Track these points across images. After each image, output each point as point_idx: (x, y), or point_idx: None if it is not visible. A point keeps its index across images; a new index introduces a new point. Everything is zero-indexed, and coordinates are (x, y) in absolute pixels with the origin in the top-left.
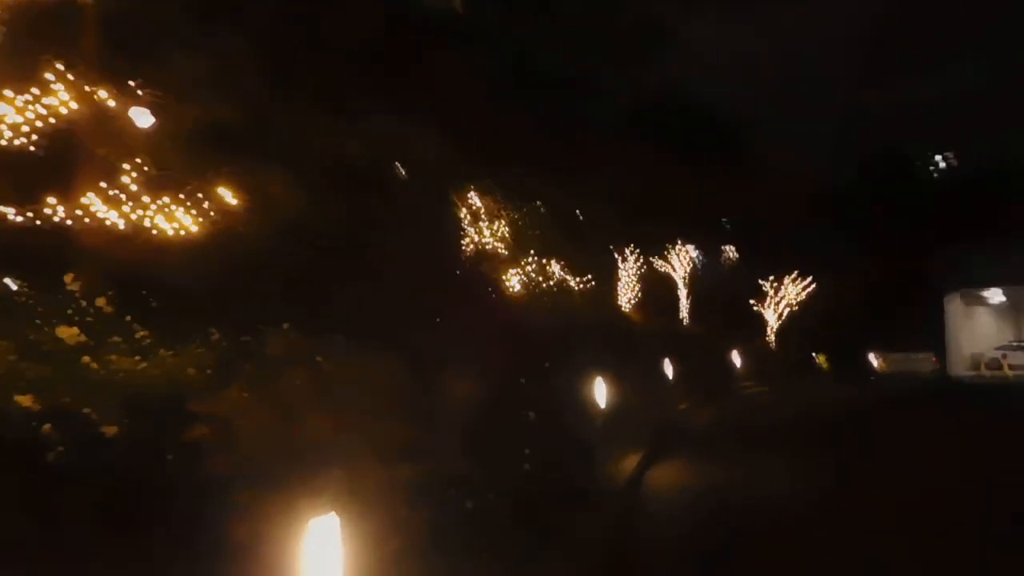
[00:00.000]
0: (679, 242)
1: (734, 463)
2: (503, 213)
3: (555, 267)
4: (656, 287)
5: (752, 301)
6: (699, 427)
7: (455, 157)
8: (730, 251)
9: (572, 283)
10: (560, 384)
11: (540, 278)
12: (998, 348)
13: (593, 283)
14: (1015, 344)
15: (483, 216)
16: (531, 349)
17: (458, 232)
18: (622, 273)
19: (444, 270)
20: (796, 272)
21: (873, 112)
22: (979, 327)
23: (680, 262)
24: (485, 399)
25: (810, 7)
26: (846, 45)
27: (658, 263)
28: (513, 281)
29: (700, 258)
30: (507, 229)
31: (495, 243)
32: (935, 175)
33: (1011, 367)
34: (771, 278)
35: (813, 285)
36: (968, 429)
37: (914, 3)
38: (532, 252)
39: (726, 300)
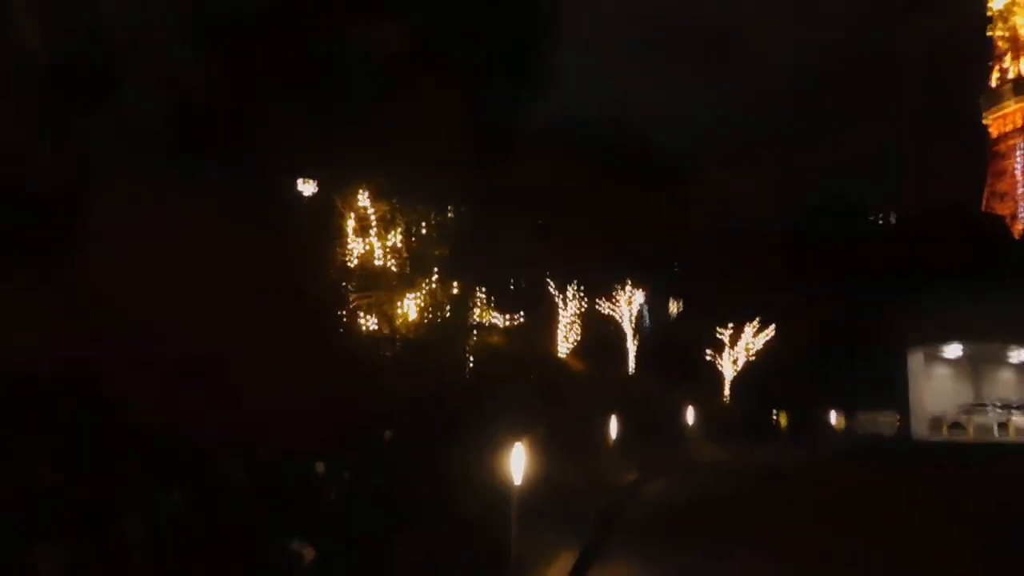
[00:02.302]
0: (628, 283)
1: (702, 567)
2: (400, 220)
3: (478, 295)
4: (601, 331)
5: (708, 351)
6: (651, 507)
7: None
8: (679, 302)
9: (495, 318)
10: (461, 451)
11: (442, 308)
12: (960, 409)
13: (523, 320)
14: (977, 405)
15: (374, 223)
16: (420, 401)
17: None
18: (561, 313)
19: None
20: (757, 320)
21: (814, 165)
22: (939, 385)
23: (628, 305)
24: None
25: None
26: (784, 104)
27: (604, 305)
28: (407, 308)
29: (648, 304)
30: (403, 239)
31: (386, 258)
32: (881, 224)
33: (977, 429)
34: (729, 326)
35: (773, 334)
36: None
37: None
38: (435, 272)
39: (679, 349)
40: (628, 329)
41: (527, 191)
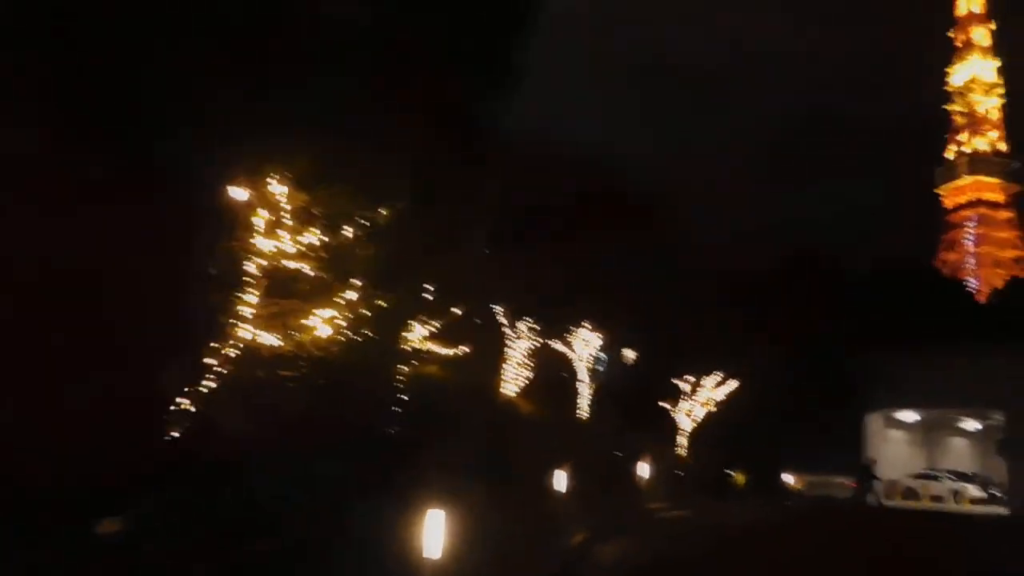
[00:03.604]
0: (586, 324)
1: None
2: (321, 215)
3: (417, 319)
4: (554, 372)
5: (663, 403)
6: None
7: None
8: (639, 348)
9: (435, 347)
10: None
11: (368, 325)
12: (915, 476)
13: (467, 352)
14: (931, 473)
15: (288, 218)
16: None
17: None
18: (511, 349)
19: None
20: (721, 373)
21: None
22: (894, 450)
23: (584, 347)
24: None
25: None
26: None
27: (558, 344)
28: (322, 322)
29: (606, 348)
30: (324, 238)
31: (301, 260)
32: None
33: (932, 498)
34: (691, 378)
35: (735, 385)
36: None
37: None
38: (361, 282)
39: (636, 396)
40: (583, 372)
41: (484, 201)
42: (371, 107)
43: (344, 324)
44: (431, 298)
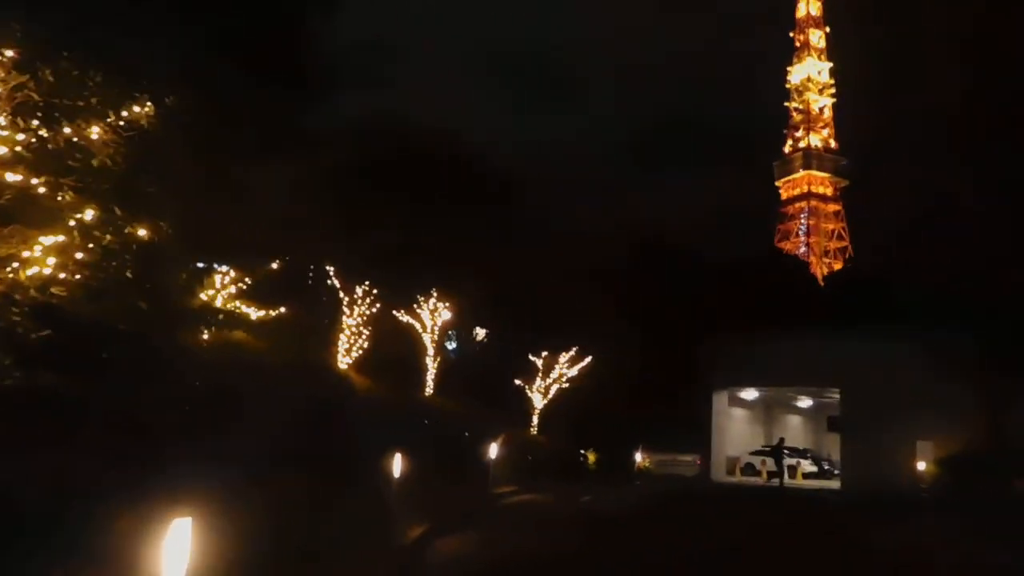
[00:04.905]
0: (434, 294)
1: None
2: (53, 102)
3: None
4: (396, 344)
5: (517, 380)
6: None
7: None
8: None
9: (244, 307)
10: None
11: (123, 261)
12: (752, 452)
13: (284, 313)
14: (768, 449)
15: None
16: None
17: None
18: (346, 316)
19: None
20: (574, 348)
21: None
22: (736, 428)
23: (432, 318)
24: None
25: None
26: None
27: (402, 315)
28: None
29: (456, 321)
30: (48, 136)
31: (13, 165)
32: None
33: (769, 474)
34: (543, 353)
35: (589, 361)
36: None
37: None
38: (106, 205)
39: (486, 372)
40: (429, 344)
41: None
42: None
43: (83, 258)
44: (233, 248)
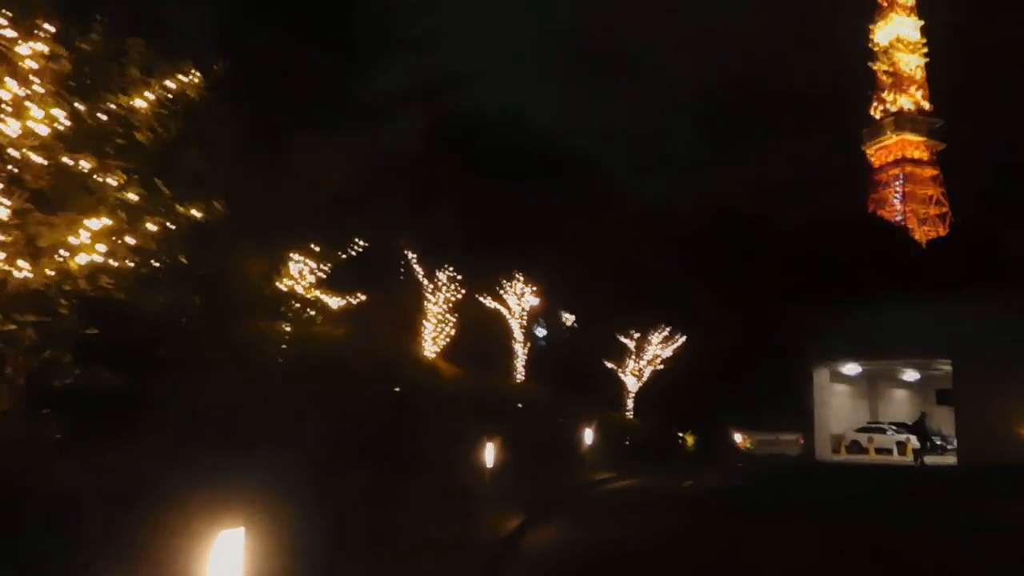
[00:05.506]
0: (519, 277)
1: None
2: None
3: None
4: (484, 331)
5: (608, 362)
6: (539, 573)
7: None
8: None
9: (324, 295)
10: None
11: (176, 246)
12: (859, 430)
13: (363, 300)
14: (875, 425)
15: (40, 77)
16: None
17: None
18: (430, 303)
19: None
20: (666, 328)
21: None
22: (839, 404)
23: (518, 302)
24: None
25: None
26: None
27: (487, 299)
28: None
29: (542, 305)
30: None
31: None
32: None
33: (877, 451)
34: (634, 333)
35: (683, 341)
36: None
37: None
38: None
39: (577, 356)
40: (517, 330)
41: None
42: None
43: (133, 243)
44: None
